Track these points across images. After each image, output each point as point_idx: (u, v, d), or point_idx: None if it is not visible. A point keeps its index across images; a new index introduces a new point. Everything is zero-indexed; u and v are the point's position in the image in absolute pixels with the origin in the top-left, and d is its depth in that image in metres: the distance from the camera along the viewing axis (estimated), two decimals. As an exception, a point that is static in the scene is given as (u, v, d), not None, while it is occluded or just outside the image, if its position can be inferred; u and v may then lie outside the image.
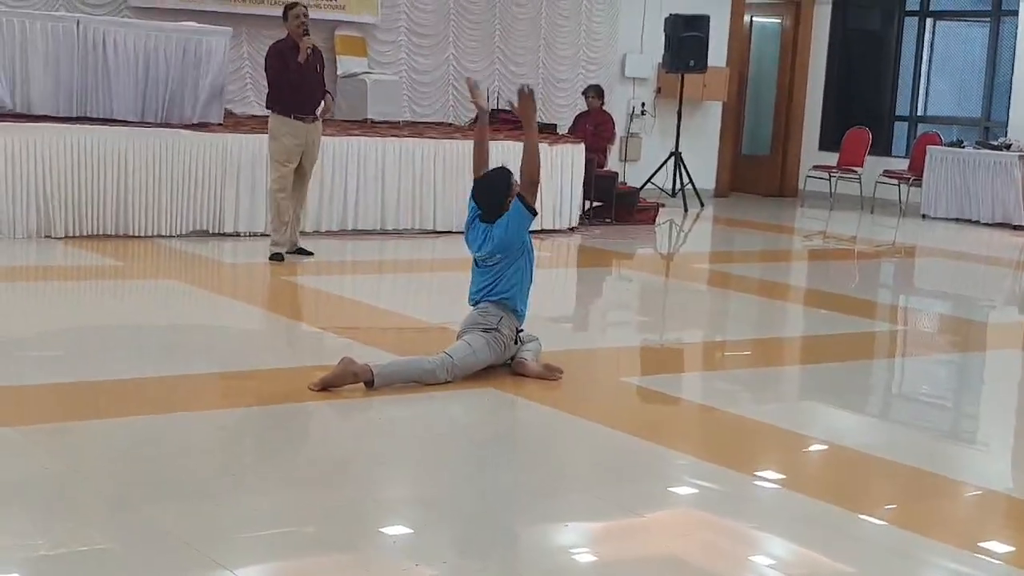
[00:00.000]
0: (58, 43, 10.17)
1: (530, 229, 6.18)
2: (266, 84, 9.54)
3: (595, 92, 13.56)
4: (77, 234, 9.70)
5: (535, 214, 6.09)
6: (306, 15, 9.29)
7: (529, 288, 6.21)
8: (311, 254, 9.53)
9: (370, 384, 5.69)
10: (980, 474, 5.19)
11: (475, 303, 6.18)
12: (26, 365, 6.09)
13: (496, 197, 6.11)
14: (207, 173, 10.13)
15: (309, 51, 9.18)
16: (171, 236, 9.96)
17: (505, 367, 6.12)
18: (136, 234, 9.91)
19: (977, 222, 14.47)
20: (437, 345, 6.07)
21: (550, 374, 6.08)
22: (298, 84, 9.20)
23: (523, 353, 6.14)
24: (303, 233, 9.97)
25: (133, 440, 4.98)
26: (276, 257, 9.29)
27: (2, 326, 7.00)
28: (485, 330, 6.02)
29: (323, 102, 9.44)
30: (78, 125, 9.91)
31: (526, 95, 6.17)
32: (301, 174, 9.46)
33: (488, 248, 6.10)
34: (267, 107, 9.44)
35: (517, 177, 6.12)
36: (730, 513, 4.47)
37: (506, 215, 6.05)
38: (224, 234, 10.18)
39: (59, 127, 9.79)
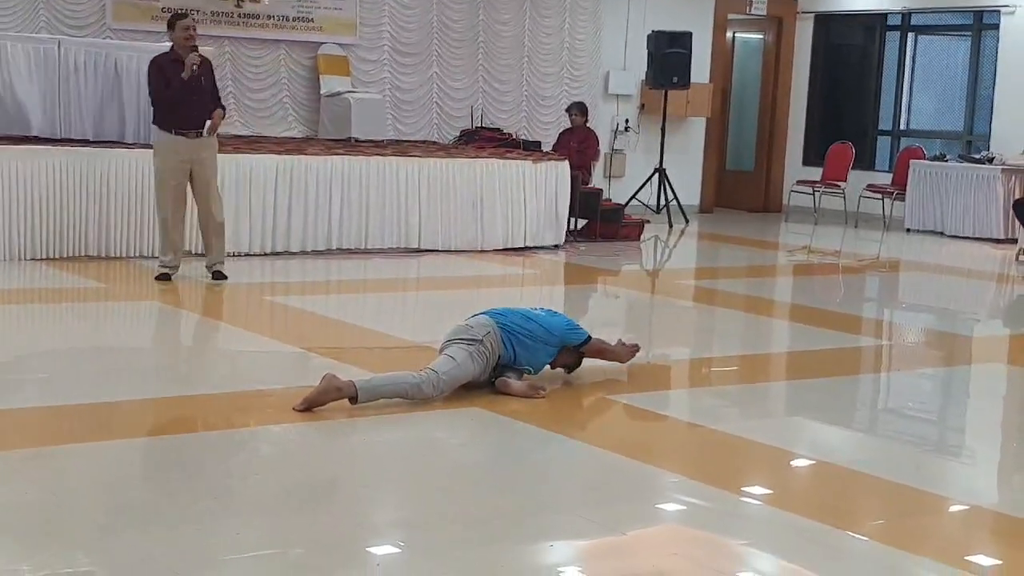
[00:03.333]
0: (39, 65, 10.17)
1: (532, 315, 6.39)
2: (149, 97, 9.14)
3: (578, 109, 13.58)
4: (59, 256, 9.67)
5: (586, 340, 6.46)
6: (194, 28, 8.97)
7: (539, 358, 6.32)
8: (225, 278, 9.18)
9: (354, 399, 5.67)
10: (966, 489, 5.18)
11: (478, 314, 6.24)
12: (6, 389, 6.05)
13: None
14: (190, 193, 10.06)
15: (195, 67, 8.81)
16: (154, 257, 9.92)
17: (489, 386, 6.10)
18: (119, 255, 9.89)
19: (960, 236, 14.51)
20: (422, 364, 6.04)
21: (534, 392, 6.07)
22: (180, 100, 8.85)
23: (507, 372, 6.13)
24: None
25: (117, 464, 4.95)
26: (162, 277, 9.01)
27: (-16, 349, 6.98)
28: (469, 342, 6.01)
29: (212, 117, 9.00)
30: (60, 147, 9.90)
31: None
32: (201, 194, 9.11)
33: (540, 309, 6.46)
34: (152, 123, 9.11)
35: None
36: (717, 530, 4.45)
37: (568, 320, 6.49)
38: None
39: (41, 148, 9.78)
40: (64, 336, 7.74)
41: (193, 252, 10.04)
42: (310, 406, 5.61)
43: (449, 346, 6.06)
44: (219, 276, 9.17)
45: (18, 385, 6.15)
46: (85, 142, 10.16)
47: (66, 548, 3.97)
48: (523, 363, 6.21)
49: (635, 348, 6.74)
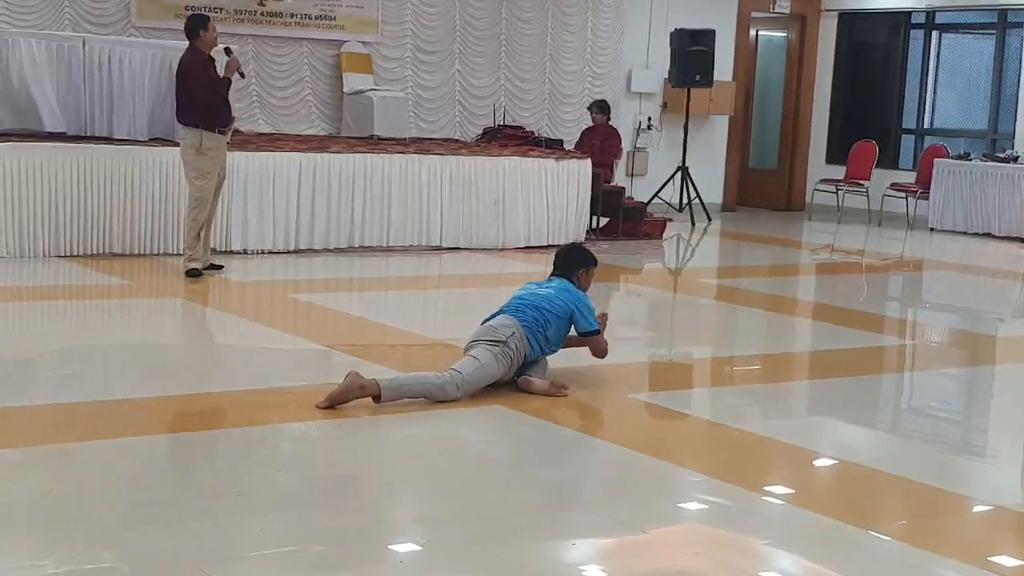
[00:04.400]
0: (64, 63, 10.21)
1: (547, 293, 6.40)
2: (188, 98, 9.08)
3: (600, 108, 13.56)
4: (84, 253, 9.71)
5: (591, 332, 6.39)
6: None
7: (558, 341, 6.31)
8: (222, 267, 9.45)
9: (377, 398, 5.68)
10: (990, 489, 5.16)
11: (495, 315, 6.22)
12: (31, 385, 6.09)
13: (572, 264, 6.62)
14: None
15: (240, 62, 9.22)
16: (178, 254, 9.94)
17: (512, 384, 6.11)
18: (143, 252, 9.92)
19: (984, 234, 14.43)
20: (444, 362, 6.06)
21: (556, 391, 6.07)
22: (224, 98, 9.16)
23: (529, 370, 6.13)
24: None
25: (139, 460, 4.97)
26: (193, 273, 9.09)
27: (7, 346, 7.01)
28: (493, 343, 6.01)
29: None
30: (85, 144, 9.94)
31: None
32: (217, 190, 9.35)
33: (547, 287, 6.39)
34: (187, 123, 9.09)
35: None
36: (739, 529, 4.45)
37: (580, 297, 6.41)
38: (231, 252, 10.18)
39: (66, 146, 9.81)
40: (88, 333, 7.78)
41: (218, 250, 10.07)
42: (333, 403, 5.62)
43: (474, 347, 6.05)
44: (215, 267, 9.40)
45: (43, 382, 6.19)
46: (110, 139, 10.18)
47: (88, 543, 3.99)
48: (547, 351, 6.24)
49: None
